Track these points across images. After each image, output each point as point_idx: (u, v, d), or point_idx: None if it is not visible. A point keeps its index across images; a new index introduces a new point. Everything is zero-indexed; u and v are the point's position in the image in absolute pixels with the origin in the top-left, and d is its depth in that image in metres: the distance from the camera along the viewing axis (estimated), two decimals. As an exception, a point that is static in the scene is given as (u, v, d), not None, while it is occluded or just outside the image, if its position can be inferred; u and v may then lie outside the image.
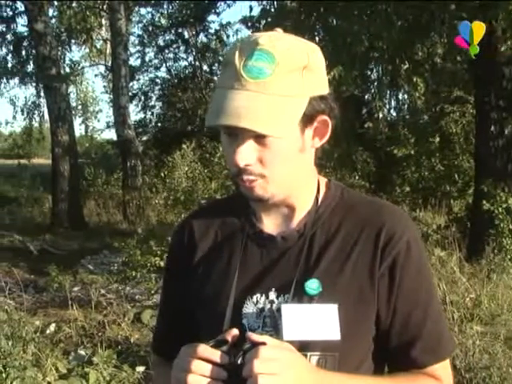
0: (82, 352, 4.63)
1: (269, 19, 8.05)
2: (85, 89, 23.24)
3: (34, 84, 17.29)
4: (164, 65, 19.16)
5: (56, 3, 15.15)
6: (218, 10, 17.81)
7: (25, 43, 15.74)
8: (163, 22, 18.62)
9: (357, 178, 12.07)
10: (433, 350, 1.20)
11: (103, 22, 16.95)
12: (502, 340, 4.56)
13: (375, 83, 11.02)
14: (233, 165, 1.14)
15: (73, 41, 17.59)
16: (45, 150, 26.01)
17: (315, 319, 1.13)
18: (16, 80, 17.01)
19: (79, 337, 5.17)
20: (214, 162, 10.57)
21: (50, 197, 13.26)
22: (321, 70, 1.17)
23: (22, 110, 18.66)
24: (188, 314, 1.28)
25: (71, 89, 19.90)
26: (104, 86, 21.88)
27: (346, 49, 7.14)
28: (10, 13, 15.01)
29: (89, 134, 24.79)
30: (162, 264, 5.96)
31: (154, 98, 19.44)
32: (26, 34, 15.41)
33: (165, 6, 18.38)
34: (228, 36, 18.08)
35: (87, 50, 19.09)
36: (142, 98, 19.28)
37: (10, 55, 16.10)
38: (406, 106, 14.72)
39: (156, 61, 19.19)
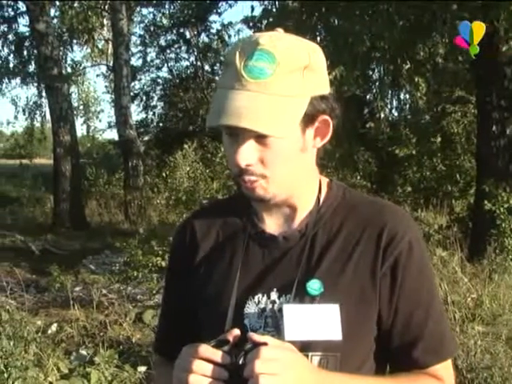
0: (83, 352, 4.63)
1: (270, 19, 8.05)
2: (86, 89, 23.32)
3: (35, 84, 17.36)
4: (166, 65, 19.21)
5: (58, 3, 15.18)
6: (219, 10, 17.86)
7: (26, 43, 15.75)
8: (165, 22, 18.63)
9: (358, 178, 12.04)
10: (435, 350, 1.20)
11: (105, 22, 16.97)
12: (504, 340, 4.56)
13: (377, 83, 10.97)
14: (234, 165, 1.14)
15: (74, 41, 17.63)
16: (46, 150, 26.09)
17: (317, 319, 1.13)
18: (18, 80, 17.09)
19: (81, 337, 5.17)
20: (216, 162, 10.55)
21: (51, 197, 13.25)
22: (322, 69, 1.17)
23: (24, 110, 18.73)
24: (190, 313, 1.28)
25: (73, 89, 19.94)
26: (106, 86, 21.92)
27: (347, 49, 7.14)
28: (12, 13, 15.08)
29: (90, 134, 24.87)
30: (164, 264, 5.97)
31: (155, 98, 19.48)
32: (27, 34, 15.43)
33: (166, 6, 18.41)
34: (229, 36, 18.15)
35: (89, 50, 19.15)
36: (144, 98, 19.30)
37: (11, 55, 16.16)
38: (407, 105, 14.72)
39: (158, 61, 19.25)
